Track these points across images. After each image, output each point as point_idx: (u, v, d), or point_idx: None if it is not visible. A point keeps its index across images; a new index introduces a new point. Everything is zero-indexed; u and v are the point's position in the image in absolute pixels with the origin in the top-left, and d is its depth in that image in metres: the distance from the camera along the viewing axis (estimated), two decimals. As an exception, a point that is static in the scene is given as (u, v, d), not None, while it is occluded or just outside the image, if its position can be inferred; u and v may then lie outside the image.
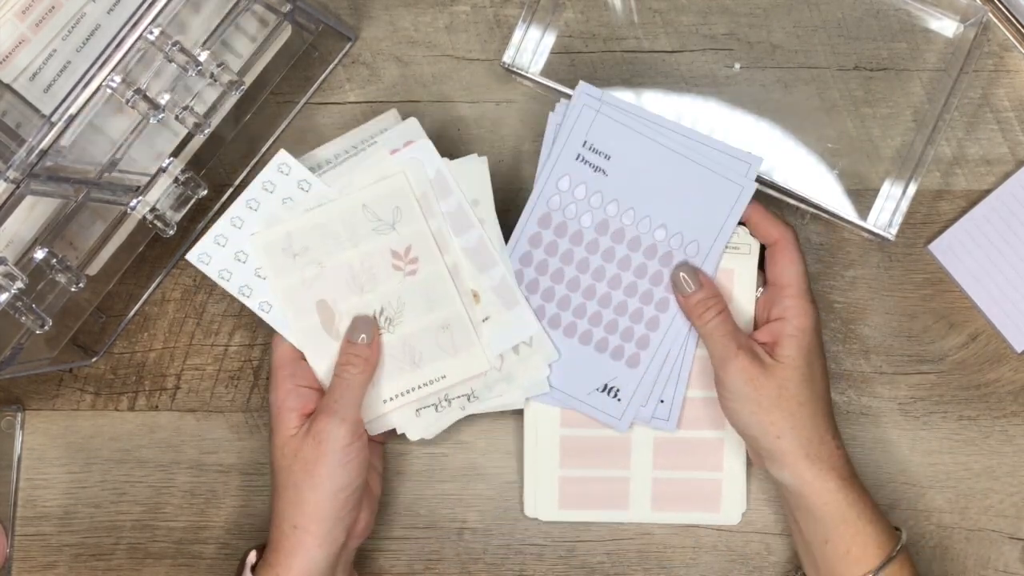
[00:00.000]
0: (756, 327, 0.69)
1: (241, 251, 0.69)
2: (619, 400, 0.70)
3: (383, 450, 0.73)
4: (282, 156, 0.68)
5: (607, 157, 0.69)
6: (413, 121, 0.69)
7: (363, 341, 0.67)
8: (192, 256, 0.69)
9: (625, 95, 0.74)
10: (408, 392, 0.69)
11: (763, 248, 0.70)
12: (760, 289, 0.69)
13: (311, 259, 0.68)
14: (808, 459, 0.65)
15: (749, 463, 0.72)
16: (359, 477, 0.66)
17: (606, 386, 0.70)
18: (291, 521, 0.65)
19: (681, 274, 0.68)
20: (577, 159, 0.70)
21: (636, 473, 0.72)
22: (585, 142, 0.69)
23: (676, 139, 0.69)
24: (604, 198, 0.70)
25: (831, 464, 0.65)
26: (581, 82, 0.69)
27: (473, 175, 0.69)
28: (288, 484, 0.65)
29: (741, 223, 0.69)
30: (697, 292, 0.67)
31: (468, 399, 0.70)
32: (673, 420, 0.71)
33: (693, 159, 0.69)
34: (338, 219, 0.68)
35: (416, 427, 0.70)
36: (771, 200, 0.74)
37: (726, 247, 0.69)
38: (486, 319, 0.69)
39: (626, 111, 0.69)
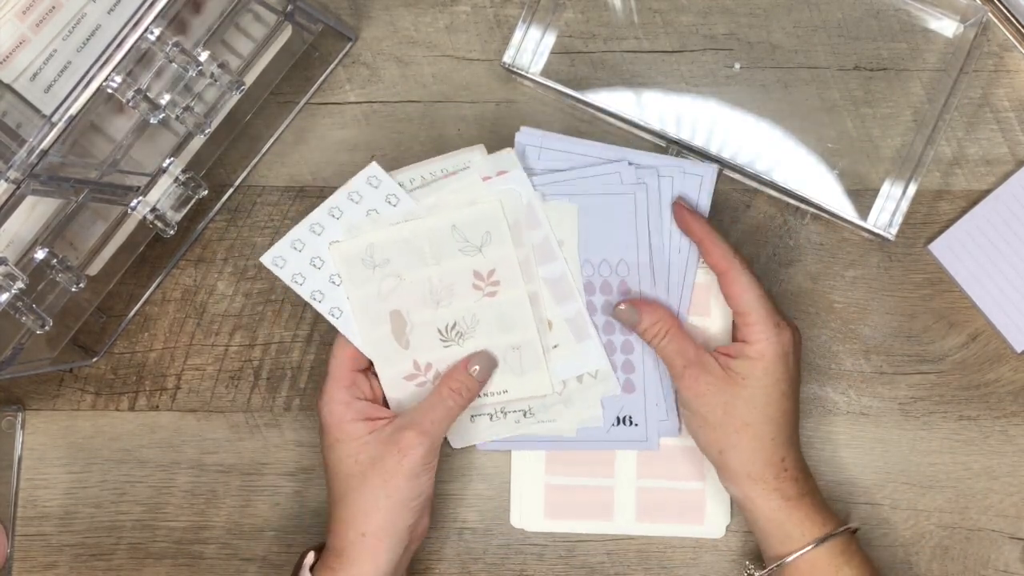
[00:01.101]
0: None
1: (317, 257, 0.69)
2: (636, 426, 0.71)
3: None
4: (373, 168, 0.69)
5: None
6: (511, 153, 0.70)
7: (475, 373, 0.68)
8: (266, 259, 0.69)
9: (625, 95, 0.75)
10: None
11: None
12: None
13: (390, 271, 0.69)
14: (750, 479, 0.65)
15: None
16: (430, 487, 0.67)
17: (619, 419, 0.71)
18: (359, 529, 0.65)
19: (620, 309, 0.69)
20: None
21: (620, 482, 0.73)
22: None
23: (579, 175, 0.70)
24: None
25: (775, 485, 0.65)
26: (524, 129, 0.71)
27: (564, 216, 0.70)
28: (360, 492, 0.65)
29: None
30: (641, 322, 0.68)
31: (524, 415, 0.71)
32: (653, 440, 0.72)
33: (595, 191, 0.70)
34: (425, 236, 0.69)
35: (462, 434, 0.72)
36: (772, 200, 0.74)
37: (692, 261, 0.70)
38: (556, 346, 0.70)
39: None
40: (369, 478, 0.65)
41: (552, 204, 0.70)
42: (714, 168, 0.70)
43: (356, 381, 0.69)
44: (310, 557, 0.67)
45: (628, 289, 0.70)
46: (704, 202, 0.70)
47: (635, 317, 0.68)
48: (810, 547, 0.64)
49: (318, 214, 0.69)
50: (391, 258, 0.69)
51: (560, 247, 0.70)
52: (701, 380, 0.66)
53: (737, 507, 0.68)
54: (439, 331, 0.70)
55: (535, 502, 0.73)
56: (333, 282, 0.70)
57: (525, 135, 0.71)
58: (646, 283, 0.70)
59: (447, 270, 0.69)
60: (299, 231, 0.69)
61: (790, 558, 0.65)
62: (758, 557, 0.70)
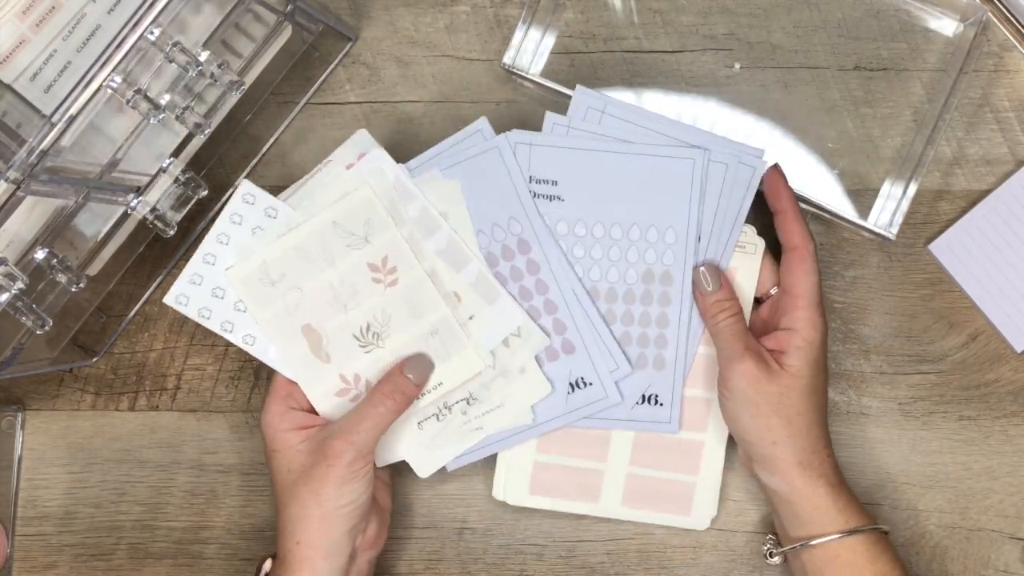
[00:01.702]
0: (759, 329, 0.69)
1: (218, 287, 0.69)
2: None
3: (397, 463, 0.73)
4: (246, 186, 0.68)
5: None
6: (363, 132, 0.69)
7: (413, 379, 0.67)
8: (169, 299, 0.69)
9: (625, 95, 0.75)
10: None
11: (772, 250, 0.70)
12: (775, 288, 0.69)
13: (290, 285, 0.68)
14: (800, 466, 0.65)
15: (726, 469, 0.72)
16: (364, 493, 0.66)
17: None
18: (295, 537, 0.65)
19: (702, 270, 0.68)
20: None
21: (612, 467, 0.72)
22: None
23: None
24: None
25: (821, 471, 0.66)
26: (514, 131, 0.70)
27: (443, 190, 0.69)
28: (292, 500, 0.65)
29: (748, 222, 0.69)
30: (716, 292, 0.67)
31: (467, 402, 0.70)
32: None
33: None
34: (310, 240, 0.68)
35: (424, 461, 0.70)
36: (771, 200, 0.74)
37: (733, 241, 0.69)
38: (471, 318, 0.69)
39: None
40: (300, 487, 0.65)
41: (427, 179, 0.69)
42: (762, 160, 0.68)
43: (293, 392, 0.69)
44: (267, 564, 0.68)
45: (534, 245, 0.69)
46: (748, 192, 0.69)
47: (716, 283, 0.67)
48: (846, 534, 0.65)
49: (207, 244, 0.68)
50: (286, 271, 0.68)
51: (445, 218, 0.69)
52: (761, 368, 0.65)
53: (773, 500, 0.68)
54: (355, 336, 0.69)
55: (521, 476, 0.72)
56: (239, 309, 0.69)
57: (584, 95, 0.69)
58: (546, 244, 0.69)
59: (343, 270, 0.68)
60: (194, 266, 0.68)
61: (831, 537, 0.65)
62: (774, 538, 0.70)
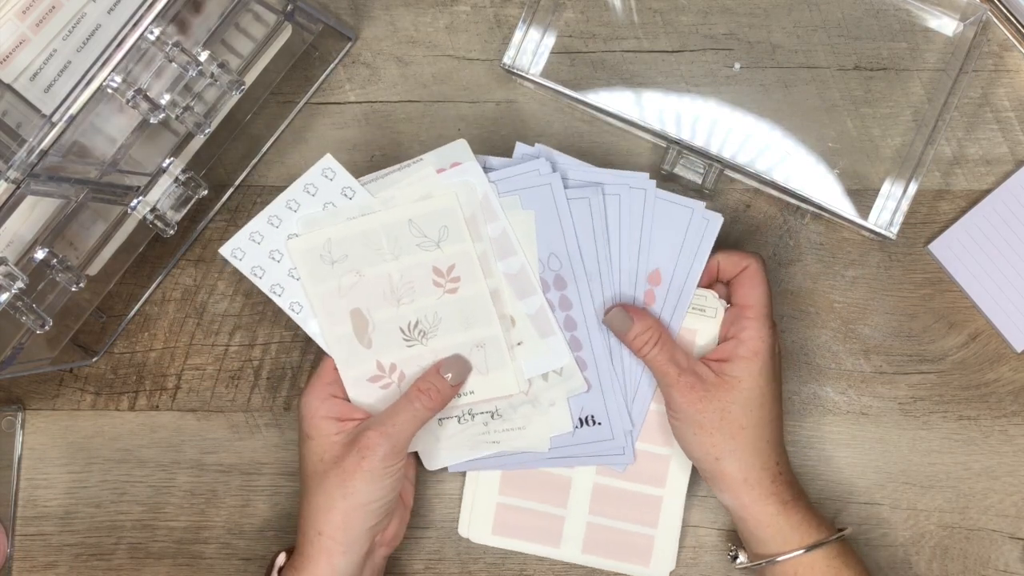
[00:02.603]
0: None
1: (276, 250, 0.69)
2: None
3: (415, 460, 0.73)
4: (327, 160, 0.68)
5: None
6: (462, 142, 0.69)
7: (448, 379, 0.67)
8: (225, 250, 0.69)
9: (625, 95, 0.75)
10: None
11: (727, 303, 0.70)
12: (726, 305, 0.69)
13: (349, 267, 0.68)
14: (747, 484, 0.65)
15: (691, 493, 0.72)
16: (393, 492, 0.66)
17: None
18: (317, 527, 0.65)
19: (612, 316, 0.68)
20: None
21: (572, 513, 0.72)
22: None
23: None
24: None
25: (772, 489, 0.65)
26: (517, 144, 0.70)
27: (518, 218, 0.69)
28: (320, 490, 0.65)
29: (708, 286, 0.70)
30: (633, 328, 0.67)
31: (492, 416, 0.70)
32: (619, 439, 0.71)
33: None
34: (382, 231, 0.68)
35: (434, 455, 0.71)
36: (772, 200, 0.74)
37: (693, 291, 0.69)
38: (520, 343, 0.69)
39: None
40: (329, 477, 0.65)
41: (505, 205, 0.69)
42: (652, 183, 0.69)
43: (338, 380, 0.68)
44: (281, 558, 0.67)
45: (571, 283, 0.69)
46: (648, 214, 0.69)
47: (628, 323, 0.67)
48: (804, 551, 0.64)
49: (275, 206, 0.68)
50: (349, 253, 0.68)
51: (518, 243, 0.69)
52: (697, 387, 0.65)
53: (729, 514, 0.68)
54: (401, 330, 0.69)
55: (484, 516, 0.73)
56: (292, 276, 0.69)
57: (523, 148, 0.70)
58: (593, 279, 0.69)
59: (406, 266, 0.68)
60: (257, 223, 0.69)
61: (788, 556, 0.64)
62: (739, 543, 0.70)
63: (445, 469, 0.72)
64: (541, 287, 0.69)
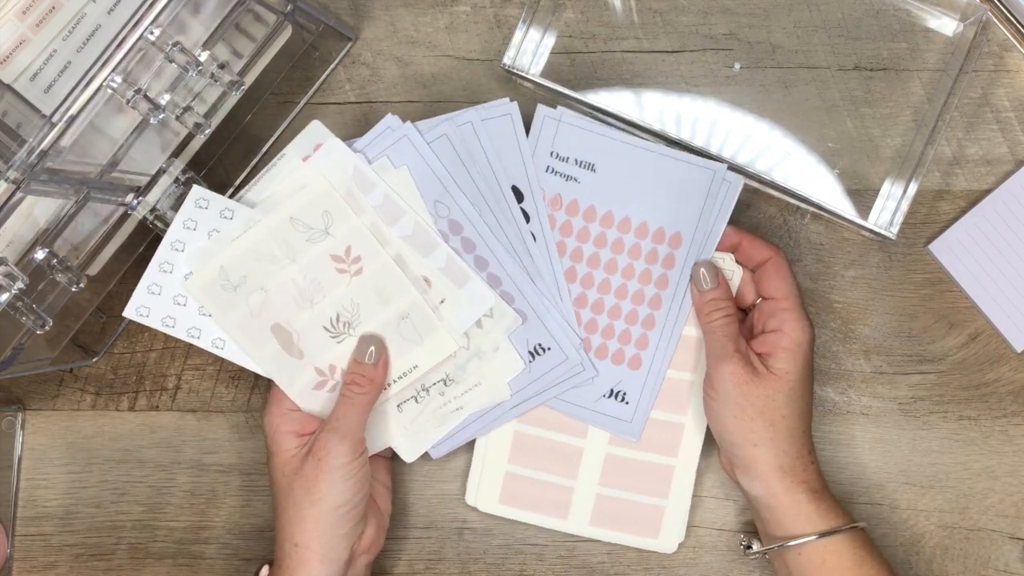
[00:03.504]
0: (746, 336, 0.69)
1: (179, 294, 0.68)
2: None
3: (391, 465, 0.73)
4: (197, 191, 0.68)
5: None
6: (316, 123, 0.69)
7: (370, 359, 0.67)
8: (129, 312, 0.68)
9: (625, 95, 0.75)
10: (384, 388, 0.69)
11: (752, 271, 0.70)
12: (760, 299, 0.69)
13: (253, 287, 0.68)
14: (781, 471, 0.65)
15: (695, 494, 0.72)
16: (359, 493, 0.66)
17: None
18: (292, 539, 0.65)
19: (701, 270, 0.68)
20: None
21: (582, 484, 0.72)
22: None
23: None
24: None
25: (803, 477, 0.66)
26: (539, 105, 0.70)
27: (396, 178, 0.68)
28: (289, 503, 0.65)
29: (728, 251, 0.70)
30: (713, 290, 0.68)
31: (444, 383, 0.70)
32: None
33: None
34: (269, 238, 0.67)
35: (409, 445, 0.71)
36: (772, 200, 0.74)
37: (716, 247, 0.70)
38: (443, 301, 0.68)
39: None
40: (295, 488, 0.65)
41: (377, 168, 0.68)
42: (514, 105, 0.69)
43: None
44: (264, 571, 0.68)
45: (465, 224, 0.69)
46: (521, 135, 0.69)
47: (709, 283, 0.68)
48: (829, 534, 0.64)
49: (162, 252, 0.68)
50: (247, 274, 0.67)
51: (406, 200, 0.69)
52: (747, 370, 0.66)
53: (755, 507, 0.68)
54: (326, 329, 0.68)
55: (492, 485, 0.72)
56: (203, 314, 0.68)
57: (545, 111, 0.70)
58: (484, 212, 0.69)
59: (306, 265, 0.68)
60: (151, 275, 0.68)
61: (810, 539, 0.64)
62: (752, 533, 0.70)
63: (429, 472, 0.71)
64: (452, 229, 0.69)
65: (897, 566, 0.72)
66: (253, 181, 0.69)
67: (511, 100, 0.70)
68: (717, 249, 0.70)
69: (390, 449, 0.71)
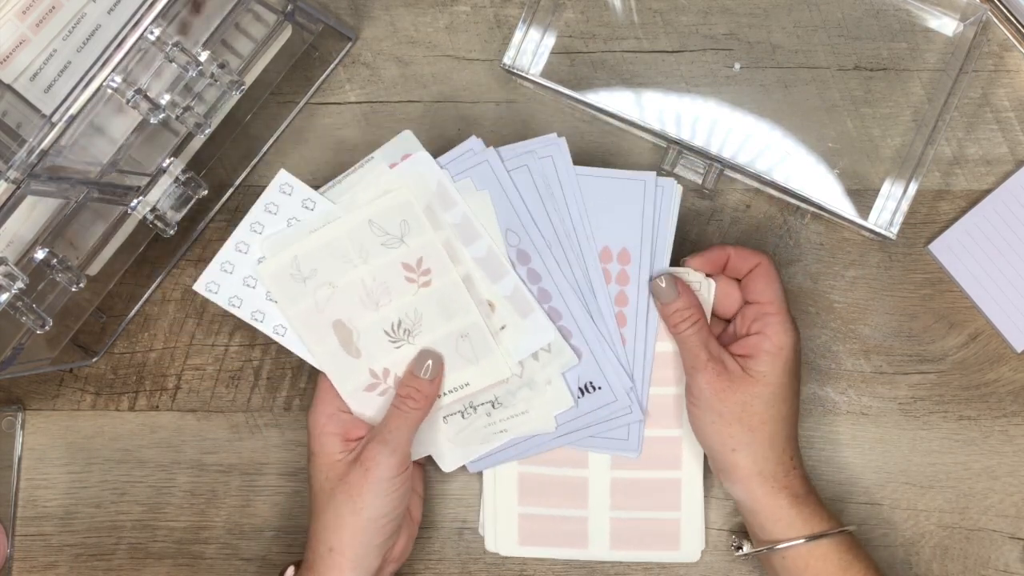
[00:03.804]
0: (729, 342, 0.69)
1: (250, 276, 0.68)
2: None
3: (424, 473, 0.73)
4: (283, 176, 0.68)
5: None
6: (408, 134, 0.69)
7: (426, 374, 0.67)
8: (199, 286, 0.68)
9: (625, 95, 0.75)
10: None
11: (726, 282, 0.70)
12: (744, 304, 0.69)
13: (322, 281, 0.68)
14: (761, 476, 0.65)
15: (706, 501, 0.72)
16: (401, 506, 0.66)
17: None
18: (327, 544, 0.65)
19: (660, 283, 0.68)
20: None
21: (594, 512, 0.72)
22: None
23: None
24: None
25: (784, 483, 0.65)
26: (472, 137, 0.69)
27: (475, 200, 0.68)
28: (328, 507, 0.65)
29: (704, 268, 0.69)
30: (675, 301, 0.67)
31: (493, 405, 0.70)
32: (622, 401, 0.70)
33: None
34: (345, 237, 0.68)
35: (450, 456, 0.71)
36: (772, 200, 0.74)
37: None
38: (503, 327, 0.68)
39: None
40: (337, 494, 0.65)
41: (460, 188, 0.68)
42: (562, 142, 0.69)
43: (340, 396, 0.68)
44: (290, 572, 0.67)
45: (533, 255, 0.69)
46: (571, 178, 0.69)
47: (673, 295, 0.67)
48: (811, 539, 0.64)
49: (240, 231, 0.68)
50: (318, 267, 0.68)
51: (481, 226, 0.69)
52: (723, 376, 0.65)
53: (740, 510, 0.68)
54: (386, 332, 0.68)
55: (508, 528, 0.72)
56: (271, 299, 0.68)
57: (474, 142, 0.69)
58: (553, 245, 0.69)
59: (377, 268, 0.68)
60: (225, 253, 0.68)
61: (795, 542, 0.64)
62: (744, 534, 0.70)
63: (464, 469, 0.71)
64: (520, 260, 0.69)
65: (897, 566, 0.72)
66: (338, 178, 0.69)
67: (559, 136, 0.69)
68: (707, 268, 0.69)
69: (424, 456, 0.71)
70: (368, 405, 0.68)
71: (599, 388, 0.70)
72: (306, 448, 0.68)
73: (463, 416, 0.70)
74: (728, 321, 0.70)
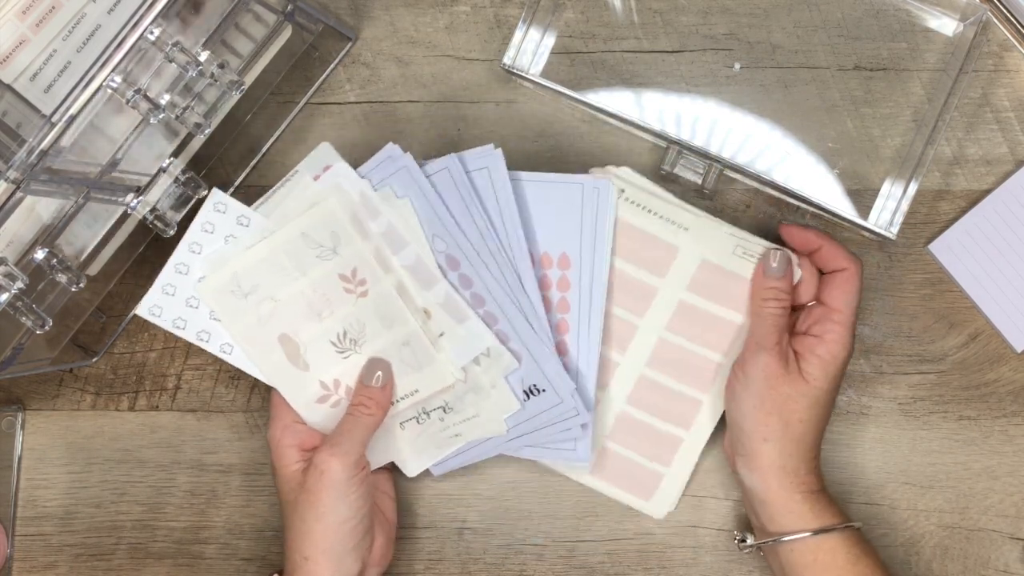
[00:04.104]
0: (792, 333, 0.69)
1: (192, 297, 0.68)
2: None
3: (392, 475, 0.73)
4: (216, 195, 0.68)
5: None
6: (326, 145, 0.70)
7: (377, 382, 0.67)
8: (142, 310, 0.68)
9: (625, 95, 0.75)
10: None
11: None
12: (813, 302, 0.69)
13: (263, 296, 0.68)
14: (783, 471, 0.65)
15: (695, 495, 0.73)
16: (363, 508, 0.66)
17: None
18: (302, 552, 0.65)
19: (774, 254, 0.68)
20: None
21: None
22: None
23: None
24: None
25: (802, 479, 0.66)
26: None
27: (398, 209, 0.68)
28: (295, 517, 0.66)
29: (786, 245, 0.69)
30: (778, 279, 0.67)
31: (444, 410, 0.70)
32: (583, 414, 0.69)
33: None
34: (281, 251, 0.68)
35: (411, 462, 0.71)
36: (772, 200, 0.74)
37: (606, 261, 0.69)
38: (442, 334, 0.69)
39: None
40: (300, 503, 0.65)
41: (382, 197, 0.68)
42: (498, 153, 0.69)
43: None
44: None
45: (462, 260, 0.69)
46: (503, 189, 0.69)
47: (780, 271, 0.67)
48: (820, 532, 0.65)
49: (179, 253, 0.68)
50: (259, 282, 0.68)
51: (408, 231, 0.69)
52: (781, 365, 0.66)
53: (749, 498, 0.68)
54: (332, 343, 0.68)
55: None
56: (214, 319, 0.69)
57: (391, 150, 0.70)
58: (481, 250, 0.69)
59: (315, 279, 0.68)
60: (166, 275, 0.68)
61: (802, 535, 0.65)
62: (747, 527, 0.70)
63: (428, 473, 0.71)
64: (449, 266, 0.69)
65: (897, 566, 0.72)
66: (268, 194, 0.69)
67: (495, 147, 0.69)
68: (795, 244, 0.69)
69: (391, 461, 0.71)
70: (321, 416, 0.69)
71: (543, 390, 0.70)
72: (269, 465, 0.68)
73: (418, 422, 0.70)
74: (794, 309, 0.69)
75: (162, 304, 0.68)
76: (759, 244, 0.70)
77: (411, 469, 0.71)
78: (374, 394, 0.67)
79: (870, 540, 0.68)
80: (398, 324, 0.68)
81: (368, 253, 0.68)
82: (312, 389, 0.69)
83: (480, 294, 0.69)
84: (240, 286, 0.68)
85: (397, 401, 0.69)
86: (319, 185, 0.69)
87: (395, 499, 0.72)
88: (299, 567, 0.65)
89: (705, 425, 0.71)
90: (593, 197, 0.69)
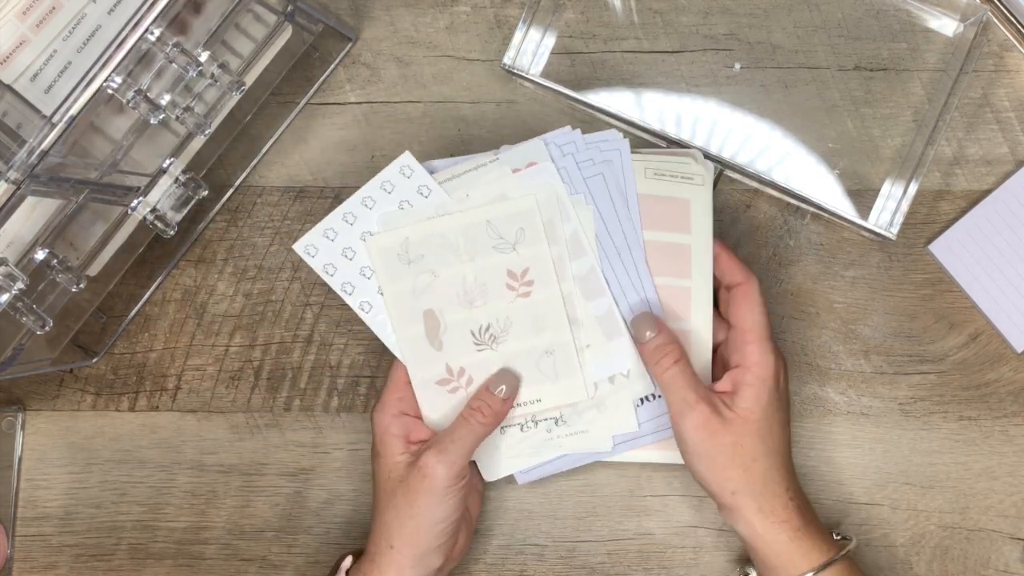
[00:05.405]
0: (716, 372, 0.68)
1: (349, 247, 0.68)
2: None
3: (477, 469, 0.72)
4: (406, 158, 0.68)
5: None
6: (538, 142, 0.68)
7: (501, 394, 0.67)
8: (299, 247, 0.68)
9: (625, 95, 0.75)
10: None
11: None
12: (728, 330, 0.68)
13: (425, 267, 0.68)
14: (761, 513, 0.64)
15: (694, 494, 0.72)
16: (457, 511, 0.66)
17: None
18: (389, 540, 0.65)
19: (636, 319, 0.67)
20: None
21: None
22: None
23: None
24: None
25: (783, 517, 0.64)
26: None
27: (582, 215, 0.68)
28: (389, 505, 0.65)
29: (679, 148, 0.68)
30: (655, 338, 0.66)
31: (556, 422, 0.69)
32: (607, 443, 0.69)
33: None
34: (460, 232, 0.68)
35: (495, 467, 0.70)
36: (772, 200, 0.74)
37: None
38: (588, 346, 0.68)
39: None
40: (397, 495, 0.65)
41: (574, 201, 0.68)
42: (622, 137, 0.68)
43: (406, 396, 0.68)
44: (347, 561, 0.67)
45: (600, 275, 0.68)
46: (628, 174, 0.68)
47: (653, 329, 0.66)
48: (812, 574, 0.64)
49: (351, 203, 0.68)
50: (426, 254, 0.68)
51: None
52: (712, 420, 0.64)
53: (743, 542, 0.67)
54: (472, 333, 0.68)
55: None
56: (364, 275, 0.68)
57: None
58: (625, 256, 0.68)
59: (481, 268, 0.68)
60: (332, 220, 0.68)
61: None
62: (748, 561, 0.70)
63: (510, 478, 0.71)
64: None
65: (897, 566, 0.72)
66: (455, 169, 0.68)
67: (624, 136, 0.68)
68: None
69: None
70: (435, 400, 0.68)
71: (658, 397, 0.68)
72: (371, 446, 0.68)
73: (522, 429, 0.69)
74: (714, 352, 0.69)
75: (319, 246, 0.68)
76: (657, 158, 0.68)
77: (492, 474, 0.70)
78: (494, 403, 0.66)
79: (864, 544, 0.68)
80: (550, 331, 0.67)
81: (548, 257, 0.67)
82: (437, 369, 0.68)
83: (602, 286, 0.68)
84: (407, 252, 0.68)
85: (515, 407, 0.68)
86: (520, 180, 0.68)
87: (482, 493, 0.72)
88: (383, 553, 0.65)
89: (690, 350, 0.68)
90: (615, 157, 0.68)
